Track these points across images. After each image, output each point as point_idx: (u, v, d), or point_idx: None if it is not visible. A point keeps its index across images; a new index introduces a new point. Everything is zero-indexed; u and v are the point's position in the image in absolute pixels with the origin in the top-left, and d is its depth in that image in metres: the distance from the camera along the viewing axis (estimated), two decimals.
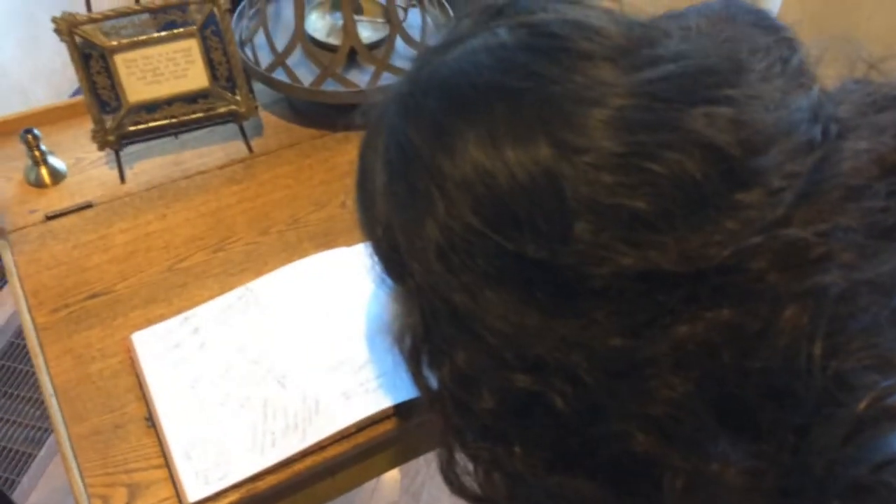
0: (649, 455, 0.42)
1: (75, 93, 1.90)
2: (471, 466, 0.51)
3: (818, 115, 0.42)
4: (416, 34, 1.01)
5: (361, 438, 0.74)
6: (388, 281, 0.51)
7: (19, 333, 1.68)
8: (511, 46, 0.44)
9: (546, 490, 0.47)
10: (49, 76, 1.85)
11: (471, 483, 0.52)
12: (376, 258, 0.51)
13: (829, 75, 0.49)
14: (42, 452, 1.52)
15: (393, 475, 1.58)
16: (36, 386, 1.60)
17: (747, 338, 0.40)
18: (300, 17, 0.95)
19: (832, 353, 0.38)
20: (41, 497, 1.47)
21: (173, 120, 0.94)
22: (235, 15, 1.03)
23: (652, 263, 0.39)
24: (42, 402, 1.58)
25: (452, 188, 0.42)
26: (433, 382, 0.50)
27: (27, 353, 1.63)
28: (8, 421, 1.56)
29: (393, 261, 0.49)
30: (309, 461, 0.73)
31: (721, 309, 0.39)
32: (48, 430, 1.55)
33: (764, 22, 0.52)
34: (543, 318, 0.42)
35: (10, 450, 1.52)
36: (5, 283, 1.73)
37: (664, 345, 0.40)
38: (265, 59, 1.00)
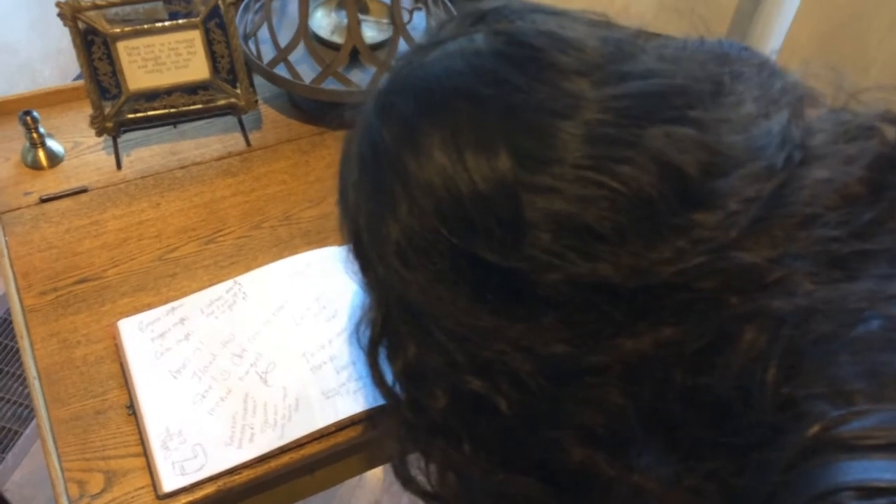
0: (582, 462, 0.43)
1: (81, 75, 1.91)
2: (422, 462, 0.52)
3: (786, 142, 0.42)
4: (419, 37, 1.01)
5: (341, 438, 0.75)
6: (359, 272, 0.52)
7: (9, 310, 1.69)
8: (485, 53, 0.45)
9: (491, 488, 0.48)
10: (57, 57, 1.86)
11: (421, 478, 0.53)
12: (348, 246, 0.52)
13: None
14: (28, 430, 1.52)
15: (376, 473, 1.59)
16: None
17: (696, 356, 0.40)
18: (304, 14, 0.95)
19: (784, 379, 0.39)
20: (24, 475, 1.47)
21: (172, 110, 0.94)
22: (241, 8, 1.04)
23: (601, 275, 0.40)
24: None
25: (415, 188, 0.43)
26: (389, 377, 0.51)
27: None
28: None
29: (359, 252, 0.50)
30: (287, 458, 0.73)
31: (665, 326, 0.40)
32: None
33: (756, 58, 0.52)
34: (493, 320, 0.42)
35: None
36: None
37: (606, 356, 0.41)
38: (268, 53, 1.00)
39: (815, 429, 0.36)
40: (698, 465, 0.41)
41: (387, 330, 0.50)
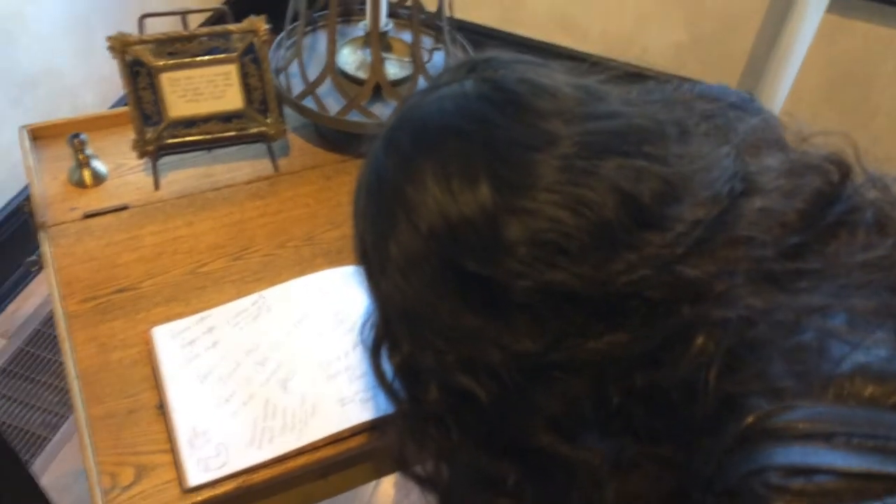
0: (546, 447, 0.49)
1: (119, 100, 2.01)
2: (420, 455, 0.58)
3: (734, 175, 0.49)
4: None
5: (353, 443, 0.80)
6: (365, 282, 0.59)
7: (45, 322, 1.76)
8: (472, 96, 0.52)
9: (476, 473, 0.54)
10: (98, 82, 1.96)
11: (418, 469, 0.59)
12: (358, 261, 0.59)
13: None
14: (56, 437, 1.59)
15: (387, 491, 1.63)
16: (56, 373, 1.68)
17: (651, 356, 0.46)
18: (332, 52, 1.02)
19: (726, 378, 0.45)
20: (51, 479, 1.54)
21: (208, 136, 1.01)
22: (274, 45, 1.12)
23: (566, 284, 0.46)
24: (60, 389, 1.66)
25: (412, 212, 0.50)
26: (390, 374, 0.59)
27: (51, 341, 1.71)
28: (27, 404, 1.64)
29: (366, 266, 0.57)
30: (303, 460, 0.78)
31: (620, 329, 0.47)
32: (64, 415, 1.62)
33: (732, 98, 0.59)
34: (475, 321, 0.49)
35: (27, 432, 1.59)
36: (34, 275, 1.82)
37: (570, 353, 0.47)
38: (297, 86, 1.07)
39: (749, 420, 0.42)
40: (652, 451, 0.47)
41: (387, 332, 0.57)
